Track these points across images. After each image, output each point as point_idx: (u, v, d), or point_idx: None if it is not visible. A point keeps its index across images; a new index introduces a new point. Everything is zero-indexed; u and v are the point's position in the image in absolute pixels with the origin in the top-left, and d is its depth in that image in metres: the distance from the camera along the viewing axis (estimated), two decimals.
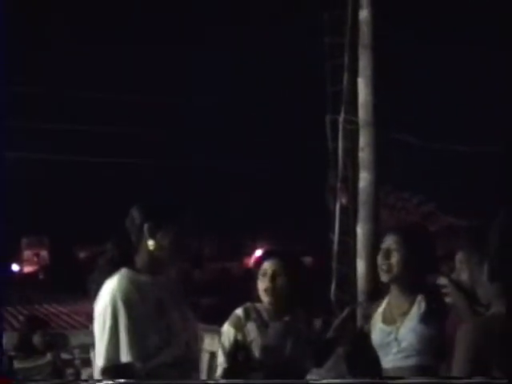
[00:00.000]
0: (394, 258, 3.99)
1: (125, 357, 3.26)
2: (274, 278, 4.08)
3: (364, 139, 8.48)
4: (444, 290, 3.74)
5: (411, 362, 3.89)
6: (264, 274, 4.12)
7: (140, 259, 3.45)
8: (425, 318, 3.92)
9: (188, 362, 3.45)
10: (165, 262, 3.50)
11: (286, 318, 4.15)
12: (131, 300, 3.32)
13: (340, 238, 8.86)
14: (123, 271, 3.40)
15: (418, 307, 3.96)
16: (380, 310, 4.10)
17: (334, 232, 8.93)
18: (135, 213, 3.48)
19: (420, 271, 4.03)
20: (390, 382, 2.45)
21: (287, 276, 4.09)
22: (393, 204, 16.26)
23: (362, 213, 8.35)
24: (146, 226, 3.42)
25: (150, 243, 3.42)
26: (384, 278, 4.05)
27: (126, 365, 3.26)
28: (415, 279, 4.03)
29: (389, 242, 4.04)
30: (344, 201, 8.84)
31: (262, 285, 4.12)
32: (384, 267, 4.02)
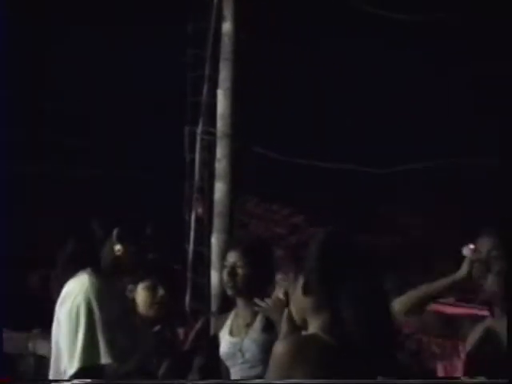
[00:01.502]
0: (240, 274, 4.09)
1: (104, 358, 3.14)
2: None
3: (221, 150, 8.52)
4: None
5: (255, 372, 3.97)
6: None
7: (105, 261, 3.41)
8: (267, 329, 4.01)
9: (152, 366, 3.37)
10: (127, 268, 3.49)
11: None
12: (105, 299, 3.24)
13: (195, 249, 8.86)
14: (91, 270, 3.32)
15: (261, 319, 4.05)
16: (228, 321, 4.20)
17: (189, 242, 8.93)
18: (103, 215, 3.49)
19: (263, 284, 4.14)
20: (389, 381, 2.41)
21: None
22: (261, 215, 16.41)
23: (217, 224, 8.38)
24: (115, 232, 3.41)
25: (117, 248, 3.39)
26: (230, 292, 4.17)
27: (104, 366, 3.14)
28: (258, 292, 4.09)
29: (233, 258, 4.12)
30: (199, 211, 8.85)
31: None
32: (230, 284, 4.12)
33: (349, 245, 2.58)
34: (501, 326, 3.37)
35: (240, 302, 4.12)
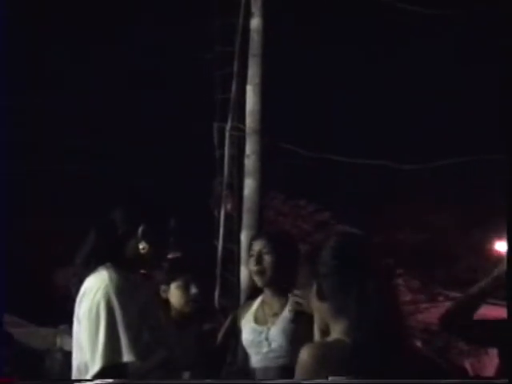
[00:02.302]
0: (267, 262, 4.04)
1: (127, 356, 3.04)
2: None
3: (250, 147, 8.51)
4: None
5: (281, 362, 3.91)
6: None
7: (126, 257, 3.30)
8: (295, 320, 3.96)
9: (176, 362, 3.32)
10: (149, 265, 3.43)
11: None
12: (125, 295, 3.14)
13: (224, 245, 8.85)
14: (111, 265, 3.22)
15: (290, 309, 4.00)
16: (252, 309, 4.13)
17: (218, 239, 8.91)
18: (129, 211, 3.37)
19: (291, 273, 4.02)
20: (390, 381, 2.40)
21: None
22: (288, 212, 16.41)
23: (246, 220, 8.36)
24: (140, 229, 3.31)
25: (142, 246, 3.30)
26: (259, 282, 4.09)
27: (126, 365, 3.05)
28: (286, 281, 4.06)
29: (259, 246, 4.08)
30: (229, 208, 8.84)
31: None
32: (258, 272, 4.04)
33: (361, 248, 2.56)
34: None
35: (268, 291, 4.07)
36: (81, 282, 3.22)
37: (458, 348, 16.91)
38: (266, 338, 3.98)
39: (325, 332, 2.54)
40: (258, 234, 4.46)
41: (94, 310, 3.10)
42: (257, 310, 4.12)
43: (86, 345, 3.11)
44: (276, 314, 4.03)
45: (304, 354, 2.43)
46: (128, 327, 3.07)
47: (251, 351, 4.02)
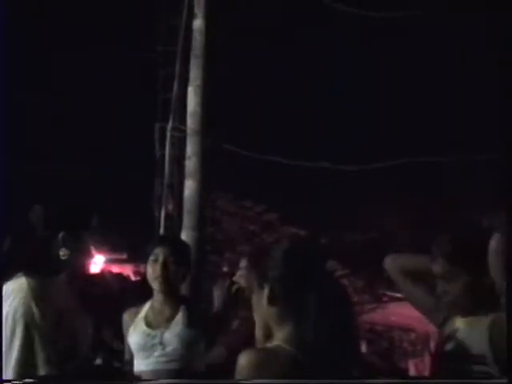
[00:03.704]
0: (172, 270, 4.12)
1: (42, 369, 3.00)
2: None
3: (191, 147, 8.49)
4: None
5: (173, 365, 4.02)
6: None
7: (46, 262, 3.22)
8: (189, 324, 4.08)
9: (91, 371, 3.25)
10: (72, 268, 3.31)
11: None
12: (43, 304, 3.08)
13: None
14: (30, 271, 3.15)
15: (183, 314, 4.11)
16: (142, 315, 4.19)
17: None
18: (45, 216, 3.27)
19: (183, 281, 4.27)
20: (391, 381, 2.39)
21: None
22: (234, 212, 16.41)
23: (187, 221, 8.35)
24: (60, 236, 3.23)
25: (63, 253, 3.23)
26: (160, 287, 4.15)
27: (41, 378, 2.99)
28: (179, 288, 4.28)
29: (164, 253, 4.14)
30: (169, 208, 8.82)
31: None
32: (162, 278, 4.11)
33: (312, 253, 2.56)
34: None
35: (160, 297, 4.15)
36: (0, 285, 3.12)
37: (402, 348, 17.09)
38: (160, 342, 4.06)
39: (266, 338, 2.51)
40: (161, 240, 4.52)
41: (9, 318, 3.05)
42: (147, 315, 4.18)
43: (4, 351, 3.04)
44: (169, 319, 4.11)
45: (242, 360, 2.40)
46: (45, 338, 3.03)
47: (141, 355, 4.08)
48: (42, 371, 2.99)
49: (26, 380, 2.95)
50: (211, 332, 4.22)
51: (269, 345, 2.46)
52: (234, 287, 4.35)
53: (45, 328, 3.04)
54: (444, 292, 3.18)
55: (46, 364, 3.00)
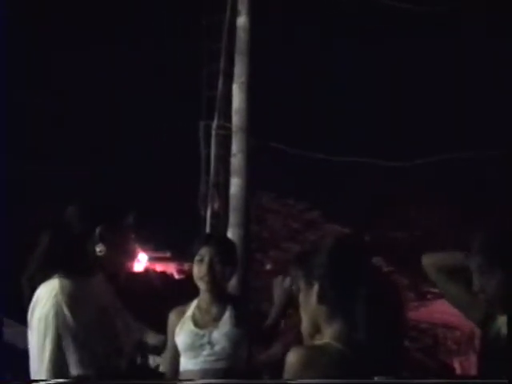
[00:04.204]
0: (218, 271, 4.09)
1: (76, 370, 2.93)
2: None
3: (236, 145, 8.46)
4: None
5: (220, 364, 4.04)
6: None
7: (82, 261, 3.11)
8: (237, 324, 4.07)
9: (134, 370, 3.22)
10: (110, 265, 3.21)
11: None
12: (77, 304, 2.98)
13: None
14: (64, 271, 3.04)
15: (231, 313, 4.10)
16: (188, 314, 4.18)
17: None
18: (81, 212, 3.17)
19: (229, 280, 4.26)
20: (392, 381, 2.37)
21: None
22: (278, 210, 16.41)
23: (233, 218, 8.33)
24: (97, 231, 3.11)
25: (99, 249, 3.12)
26: (206, 287, 4.12)
27: (75, 378, 2.92)
28: (225, 287, 4.26)
29: (210, 253, 4.11)
30: (215, 207, 8.80)
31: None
32: (206, 278, 4.09)
33: (359, 250, 2.55)
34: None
35: (207, 296, 4.13)
36: (34, 288, 3.07)
37: (446, 346, 16.95)
38: (209, 342, 4.06)
39: (312, 336, 2.48)
40: (207, 239, 4.47)
41: (43, 321, 2.99)
42: (194, 314, 4.17)
43: (35, 355, 3.00)
44: (216, 318, 4.11)
45: (291, 357, 2.38)
46: (78, 339, 2.95)
47: (188, 354, 4.09)
48: (74, 373, 2.93)
49: (59, 380, 2.93)
50: (263, 331, 4.21)
51: (318, 342, 2.44)
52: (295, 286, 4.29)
53: (77, 330, 2.98)
54: (481, 289, 3.13)
55: (79, 366, 2.95)
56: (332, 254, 2.48)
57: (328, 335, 2.42)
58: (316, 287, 2.45)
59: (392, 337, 2.41)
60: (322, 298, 2.44)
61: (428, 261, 3.53)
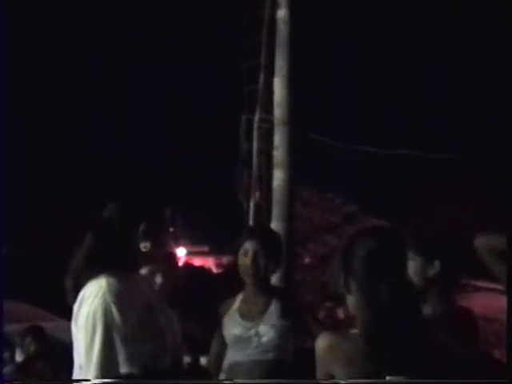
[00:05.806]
0: (262, 264, 4.11)
1: (124, 367, 2.95)
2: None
3: (278, 138, 8.45)
4: None
5: (268, 356, 4.06)
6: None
7: (127, 258, 3.14)
8: (283, 315, 4.09)
9: (179, 367, 3.23)
10: (154, 261, 3.32)
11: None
12: (124, 302, 3.01)
13: None
14: (110, 269, 3.07)
15: (276, 305, 4.12)
16: (235, 307, 4.22)
17: None
18: (124, 209, 3.20)
19: (273, 273, 4.28)
20: (390, 381, 2.42)
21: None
22: (316, 204, 16.40)
23: (276, 212, 8.32)
24: (141, 228, 3.16)
25: (144, 245, 3.16)
26: (250, 280, 4.15)
27: (124, 376, 2.95)
28: (269, 280, 4.29)
29: (255, 247, 4.13)
30: (258, 199, 8.82)
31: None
32: (253, 272, 4.10)
33: (388, 242, 2.58)
34: None
35: (252, 289, 4.15)
36: (79, 286, 3.08)
37: (486, 339, 16.84)
38: (256, 334, 4.09)
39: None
40: (251, 232, 4.46)
41: (90, 319, 3.01)
42: (240, 306, 4.20)
43: (82, 352, 3.02)
44: (262, 311, 4.13)
45: (318, 343, 2.51)
46: (126, 337, 2.97)
47: (237, 346, 4.12)
48: (123, 370, 2.95)
49: (107, 380, 2.94)
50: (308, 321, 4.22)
51: (350, 330, 2.54)
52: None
53: (125, 327, 2.99)
54: None
55: (128, 363, 2.97)
56: (354, 246, 2.56)
57: (359, 324, 2.51)
58: (342, 278, 2.56)
59: (415, 333, 2.45)
60: (348, 289, 2.54)
61: (481, 242, 3.54)
